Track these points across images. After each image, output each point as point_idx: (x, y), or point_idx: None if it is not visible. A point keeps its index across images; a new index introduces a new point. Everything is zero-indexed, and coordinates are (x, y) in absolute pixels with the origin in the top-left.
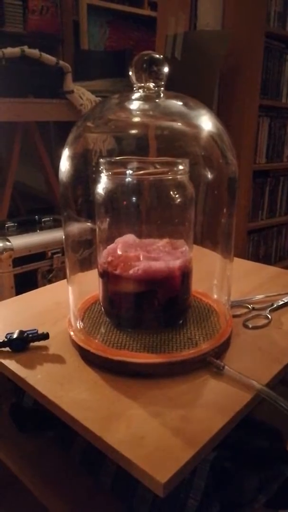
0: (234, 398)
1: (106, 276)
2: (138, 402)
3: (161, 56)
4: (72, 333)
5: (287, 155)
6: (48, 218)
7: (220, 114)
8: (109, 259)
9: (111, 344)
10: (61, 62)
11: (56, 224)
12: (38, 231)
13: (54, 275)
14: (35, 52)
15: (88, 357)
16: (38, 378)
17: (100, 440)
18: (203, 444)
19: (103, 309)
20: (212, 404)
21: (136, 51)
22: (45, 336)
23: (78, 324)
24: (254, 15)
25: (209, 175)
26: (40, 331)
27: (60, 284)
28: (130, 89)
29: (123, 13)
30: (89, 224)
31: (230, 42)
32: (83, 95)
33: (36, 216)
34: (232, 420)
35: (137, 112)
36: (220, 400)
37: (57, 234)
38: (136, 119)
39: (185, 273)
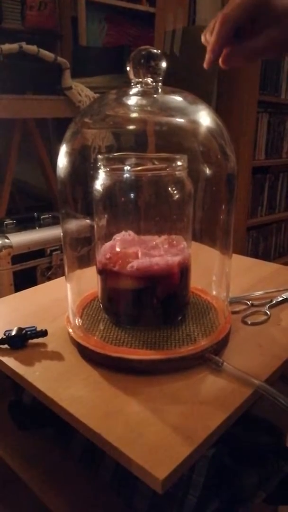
0: (233, 394)
1: (104, 273)
2: (136, 399)
3: (159, 51)
4: (70, 330)
5: (286, 151)
6: (47, 215)
7: (219, 110)
8: (108, 255)
9: (109, 341)
10: (59, 58)
11: (55, 221)
12: (37, 228)
13: (53, 272)
14: (33, 48)
15: (86, 354)
16: (36, 375)
17: (99, 437)
18: (202, 441)
19: (101, 306)
20: (211, 400)
21: (135, 47)
22: (44, 333)
23: (76, 321)
24: None
25: (208, 171)
26: (38, 328)
27: (59, 281)
28: (128, 85)
29: (121, 8)
30: (87, 221)
31: None
32: (82, 91)
33: (35, 214)
34: (231, 416)
35: (135, 108)
36: (219, 397)
37: (56, 231)
38: (134, 115)
39: (184, 270)
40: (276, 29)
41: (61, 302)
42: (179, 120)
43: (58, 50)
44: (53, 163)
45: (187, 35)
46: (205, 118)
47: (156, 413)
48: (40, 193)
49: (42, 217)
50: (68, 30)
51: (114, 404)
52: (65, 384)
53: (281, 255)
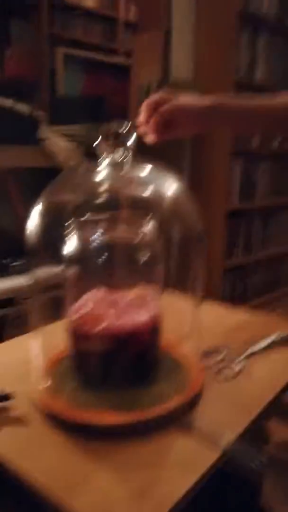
0: (202, 457)
1: (73, 333)
2: (105, 465)
3: (129, 124)
4: (37, 393)
5: (259, 195)
6: (18, 263)
7: (193, 159)
8: (77, 316)
9: (77, 404)
10: (34, 112)
11: (26, 269)
12: (6, 276)
13: (22, 322)
14: (8, 101)
15: (53, 419)
16: None
17: (63, 508)
18: (171, 506)
19: (72, 365)
20: (181, 463)
21: (112, 97)
22: (6, 398)
23: (44, 382)
24: (225, 65)
25: (175, 235)
26: (3, 390)
27: (27, 337)
28: (97, 157)
29: (99, 61)
30: (58, 271)
31: (202, 92)
32: (57, 144)
33: (4, 261)
34: (201, 479)
35: (106, 180)
36: (188, 459)
37: (26, 280)
38: (104, 187)
39: (154, 329)
40: (193, 126)
41: (28, 361)
42: (148, 192)
43: (36, 99)
44: (27, 209)
45: (162, 89)
46: (172, 188)
47: (125, 480)
48: (11, 237)
49: (12, 264)
50: (46, 80)
51: (81, 472)
52: (28, 452)
53: (258, 295)
